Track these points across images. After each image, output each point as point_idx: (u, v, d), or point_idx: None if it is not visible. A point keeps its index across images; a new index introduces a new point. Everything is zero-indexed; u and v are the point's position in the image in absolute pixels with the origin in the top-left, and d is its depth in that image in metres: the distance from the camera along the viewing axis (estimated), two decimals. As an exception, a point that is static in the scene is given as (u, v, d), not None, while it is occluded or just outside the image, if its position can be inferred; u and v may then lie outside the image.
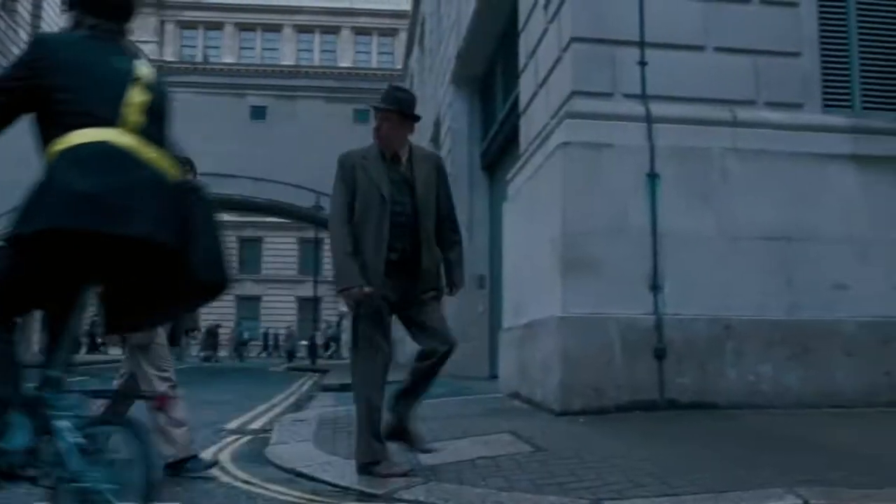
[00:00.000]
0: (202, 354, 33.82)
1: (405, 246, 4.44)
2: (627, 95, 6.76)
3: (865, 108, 7.32)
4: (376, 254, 4.38)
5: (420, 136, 20.92)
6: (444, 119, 16.01)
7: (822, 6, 7.34)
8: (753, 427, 5.56)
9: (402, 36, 41.02)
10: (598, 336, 6.30)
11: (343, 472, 4.61)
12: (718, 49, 6.93)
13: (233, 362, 33.41)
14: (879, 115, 7.22)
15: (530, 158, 7.79)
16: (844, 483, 3.83)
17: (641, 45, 6.80)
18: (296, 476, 4.76)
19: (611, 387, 6.26)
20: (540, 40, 7.81)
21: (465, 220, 14.52)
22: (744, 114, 6.83)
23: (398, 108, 4.53)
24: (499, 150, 13.16)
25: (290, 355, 34.23)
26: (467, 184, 14.94)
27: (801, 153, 6.83)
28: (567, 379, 6.23)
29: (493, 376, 13.11)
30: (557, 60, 7.17)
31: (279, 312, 46.11)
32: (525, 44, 8.51)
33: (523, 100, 8.57)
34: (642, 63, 6.79)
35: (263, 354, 37.93)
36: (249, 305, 46.62)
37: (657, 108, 6.70)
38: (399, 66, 37.44)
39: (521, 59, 8.62)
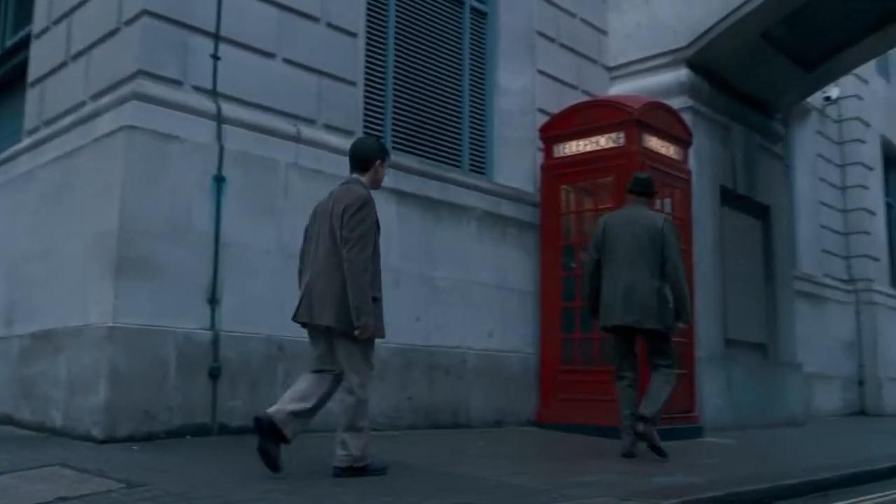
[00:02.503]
0: None
1: None
2: (198, 88, 6.13)
3: (394, 147, 7.75)
4: None
5: None
6: None
7: (369, 43, 7.64)
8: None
9: None
10: (152, 351, 5.52)
11: None
12: (288, 61, 6.70)
13: None
14: (410, 157, 7.71)
15: (54, 138, 6.59)
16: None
17: (216, 37, 6.25)
18: None
19: (163, 409, 5.52)
20: (80, 5, 6.71)
21: None
22: (307, 131, 6.70)
23: None
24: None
25: None
26: None
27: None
28: (116, 400, 5.31)
29: None
30: (114, 32, 6.21)
31: None
32: (46, 6, 7.24)
33: (37, 70, 7.25)
34: (216, 57, 6.24)
35: None
36: None
37: (228, 108, 6.21)
38: None
39: (39, 23, 7.31)
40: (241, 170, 6.20)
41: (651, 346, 6.29)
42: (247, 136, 6.28)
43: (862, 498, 5.37)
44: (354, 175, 4.89)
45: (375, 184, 4.97)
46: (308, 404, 4.59)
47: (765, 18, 9.33)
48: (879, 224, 15.98)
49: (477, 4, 8.95)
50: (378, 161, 4.93)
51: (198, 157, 5.97)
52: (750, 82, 10.25)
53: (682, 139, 8.59)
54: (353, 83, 7.22)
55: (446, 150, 8.41)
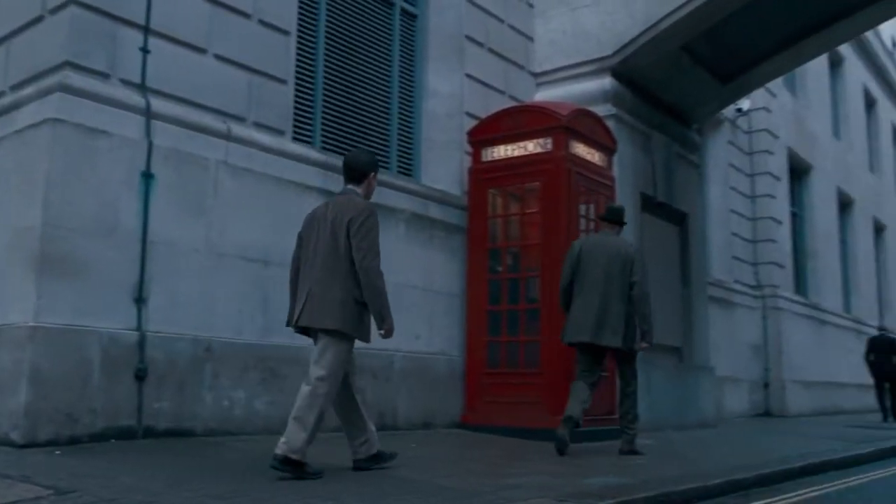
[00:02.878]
0: None
1: None
2: (126, 82, 5.96)
3: (323, 147, 7.71)
4: None
5: None
6: None
7: (300, 42, 7.56)
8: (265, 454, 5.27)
9: None
10: (76, 352, 5.33)
11: None
12: (219, 57, 6.58)
13: None
14: (341, 158, 7.64)
15: (-30, 129, 6.32)
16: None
17: (146, 30, 6.09)
18: None
19: (86, 412, 5.35)
20: (-1, -9, 6.45)
21: None
22: (237, 129, 6.59)
23: None
24: None
25: None
26: None
27: (283, 179, 6.86)
28: (37, 403, 5.11)
29: None
30: (37, 20, 5.99)
31: None
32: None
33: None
34: (145, 50, 6.08)
35: None
36: None
37: (157, 103, 6.06)
38: None
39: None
40: (170, 167, 6.06)
41: (617, 362, 7.08)
42: (176, 132, 6.13)
43: (778, 497, 5.58)
44: (350, 186, 5.18)
45: (368, 195, 5.26)
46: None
47: (685, 32, 9.59)
48: (785, 232, 16.61)
49: (407, 6, 8.96)
50: (372, 174, 5.25)
51: (125, 152, 5.80)
52: (670, 92, 10.54)
53: (607, 146, 8.77)
54: (283, 81, 7.14)
55: (374, 150, 8.36)
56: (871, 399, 19.64)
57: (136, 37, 6.05)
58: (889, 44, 28.05)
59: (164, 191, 5.98)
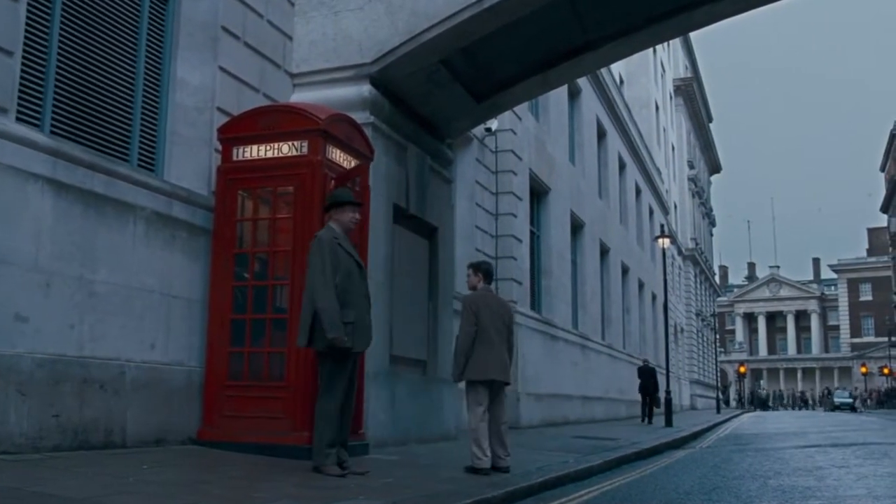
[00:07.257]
0: None
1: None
2: None
3: (54, 132, 6.92)
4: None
5: None
6: None
7: (31, 11, 6.73)
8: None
9: None
10: None
11: None
12: (-72, 16, 5.68)
13: None
14: (74, 145, 6.89)
15: None
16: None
17: None
18: None
19: None
20: None
21: None
22: (-52, 102, 5.70)
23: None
24: None
25: None
26: None
27: (3, 164, 6.02)
28: None
29: None
30: None
31: None
32: None
33: None
34: None
35: None
36: None
37: None
38: None
39: None
40: None
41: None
42: None
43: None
44: (490, 286, 7.85)
45: None
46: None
47: (445, 46, 9.65)
48: (524, 251, 17.34)
49: (158, -13, 8.30)
50: None
51: None
52: (427, 105, 10.58)
53: (365, 154, 8.58)
54: (9, 53, 6.27)
55: (113, 140, 7.64)
56: (592, 410, 21.08)
57: None
58: (618, 79, 30.42)
59: None
